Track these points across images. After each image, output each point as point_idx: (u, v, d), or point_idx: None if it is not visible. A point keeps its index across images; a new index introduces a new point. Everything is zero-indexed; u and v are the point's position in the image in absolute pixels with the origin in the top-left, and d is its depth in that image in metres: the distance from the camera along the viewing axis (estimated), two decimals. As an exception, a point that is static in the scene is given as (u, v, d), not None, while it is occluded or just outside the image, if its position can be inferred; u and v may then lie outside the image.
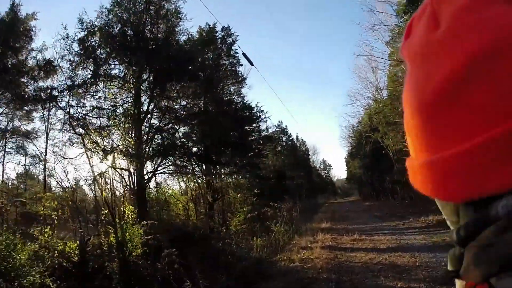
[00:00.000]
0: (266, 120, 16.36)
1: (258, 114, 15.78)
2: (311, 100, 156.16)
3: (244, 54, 12.37)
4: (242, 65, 16.62)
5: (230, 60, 16.48)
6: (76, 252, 8.99)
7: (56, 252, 8.90)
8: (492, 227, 0.28)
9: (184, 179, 16.74)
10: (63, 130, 12.21)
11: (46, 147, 13.05)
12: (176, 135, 10.91)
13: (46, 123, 12.62)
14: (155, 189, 15.88)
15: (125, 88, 11.43)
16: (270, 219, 13.33)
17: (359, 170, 39.80)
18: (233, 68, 16.63)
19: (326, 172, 74.27)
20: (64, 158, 11.76)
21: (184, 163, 11.16)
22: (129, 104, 11.42)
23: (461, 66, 0.27)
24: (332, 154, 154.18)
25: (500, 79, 0.26)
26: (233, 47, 15.88)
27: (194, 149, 11.51)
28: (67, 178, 11.62)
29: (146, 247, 10.11)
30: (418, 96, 0.31)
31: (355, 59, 32.44)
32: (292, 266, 7.10)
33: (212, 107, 12.20)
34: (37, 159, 13.98)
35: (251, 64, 12.06)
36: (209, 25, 15.43)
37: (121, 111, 11.32)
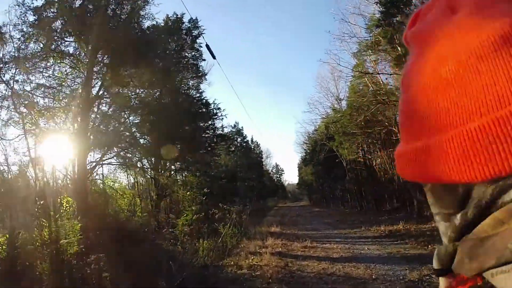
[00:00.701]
0: (222, 118, 15.74)
1: (215, 111, 15.11)
2: (272, 104, 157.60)
3: (207, 46, 11.67)
4: (204, 60, 15.98)
5: (193, 53, 15.76)
6: (3, 247, 7.88)
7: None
8: (490, 219, 0.27)
9: (131, 173, 15.76)
10: (2, 106, 10.93)
11: None
12: (125, 124, 9.91)
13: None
14: (100, 181, 14.79)
15: (77, 68, 10.32)
16: (219, 221, 12.75)
17: (311, 177, 40.19)
18: (195, 62, 15.91)
19: (278, 176, 74.72)
20: (2, 139, 10.50)
21: (129, 155, 10.17)
22: (79, 85, 10.33)
23: (481, 45, 0.26)
24: (285, 160, 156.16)
25: None
26: (197, 41, 15.22)
27: (142, 141, 10.53)
28: (6, 162, 10.40)
29: (83, 245, 9.16)
30: (434, 73, 0.30)
31: (320, 67, 32.59)
32: (240, 274, 6.51)
33: (167, 99, 11.30)
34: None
35: (214, 57, 11.38)
36: (177, 15, 14.73)
37: (69, 92, 10.24)
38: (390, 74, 14.37)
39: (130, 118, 10.04)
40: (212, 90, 72.07)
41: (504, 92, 0.25)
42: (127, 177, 17.97)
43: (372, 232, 10.82)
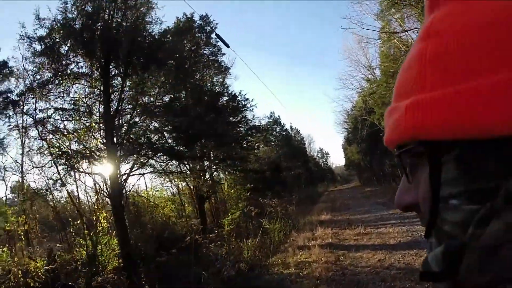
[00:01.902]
0: (252, 109, 15.08)
1: (243, 102, 14.52)
2: (303, 87, 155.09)
3: (217, 36, 11.11)
4: (224, 54, 15.48)
5: (211, 49, 15.30)
6: (42, 271, 7.83)
7: (20, 272, 7.75)
8: (501, 224, 0.25)
9: (169, 179, 15.59)
10: (25, 136, 11.05)
11: (22, 158, 11.88)
12: (148, 131, 9.58)
13: (20, 131, 11.28)
14: (135, 193, 14.72)
15: (93, 86, 10.14)
16: (265, 216, 12.22)
17: (357, 156, 38.76)
18: (215, 58, 15.43)
19: (324, 160, 73.45)
20: (35, 167, 10.58)
21: (155, 161, 9.82)
22: (97, 102, 10.15)
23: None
24: (329, 142, 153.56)
25: None
26: (212, 36, 14.74)
27: (167, 145, 10.19)
28: (42, 188, 10.49)
29: (124, 259, 8.98)
30: (468, 23, 0.28)
31: (345, 39, 30.80)
32: (286, 274, 5.87)
33: (188, 99, 10.83)
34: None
35: (227, 46, 10.76)
36: (186, 15, 14.33)
37: (88, 110, 10.08)
38: (418, 30, 12.95)
39: (152, 124, 9.62)
40: (240, 85, 71.62)
41: None
42: (170, 185, 17.99)
43: (431, 208, 9.79)
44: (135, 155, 9.70)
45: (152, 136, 9.30)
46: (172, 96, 9.79)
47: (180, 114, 9.17)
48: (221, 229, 11.81)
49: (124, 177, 10.49)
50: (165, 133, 9.61)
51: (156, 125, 9.62)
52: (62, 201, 11.41)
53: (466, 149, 0.28)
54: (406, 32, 14.01)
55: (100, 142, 9.76)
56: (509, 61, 0.25)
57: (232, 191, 19.71)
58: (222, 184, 20.49)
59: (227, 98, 14.76)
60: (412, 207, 0.38)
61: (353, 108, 29.90)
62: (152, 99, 10.07)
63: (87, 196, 11.42)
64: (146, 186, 20.11)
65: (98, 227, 9.42)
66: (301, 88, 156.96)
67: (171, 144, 9.71)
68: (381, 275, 4.69)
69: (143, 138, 8.97)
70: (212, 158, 13.44)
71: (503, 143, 0.25)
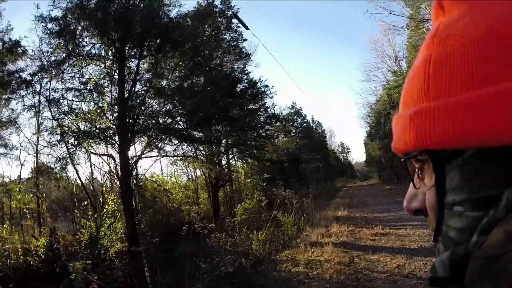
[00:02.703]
0: (272, 96, 14.57)
1: (263, 89, 14.03)
2: (327, 78, 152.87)
3: (236, 17, 10.66)
4: (245, 40, 15.03)
5: (231, 35, 14.86)
6: (43, 250, 7.70)
7: (20, 250, 7.65)
8: (501, 233, 0.26)
9: (183, 165, 15.34)
10: (39, 116, 10.96)
11: (38, 138, 11.81)
12: (160, 113, 9.26)
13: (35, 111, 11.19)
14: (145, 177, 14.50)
15: (107, 67, 9.91)
16: (280, 208, 11.84)
17: (379, 152, 37.70)
18: (236, 43, 14.98)
19: (345, 155, 72.52)
20: (45, 146, 10.48)
21: (166, 144, 9.50)
22: (111, 83, 9.91)
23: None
24: (350, 137, 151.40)
25: None
26: (233, 21, 14.30)
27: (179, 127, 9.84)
28: (56, 167, 10.40)
29: (129, 243, 8.78)
30: (485, 27, 0.29)
31: (371, 30, 29.77)
32: (294, 272, 5.46)
33: (203, 81, 10.41)
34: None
35: (246, 27, 10.34)
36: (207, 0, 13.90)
37: (101, 91, 9.87)
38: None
39: (165, 107, 9.29)
40: (262, 72, 70.63)
41: None
42: (186, 171, 17.80)
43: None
44: (145, 138, 9.43)
45: (164, 118, 8.95)
46: (186, 78, 9.36)
47: (192, 96, 8.76)
48: (234, 219, 11.55)
49: (134, 159, 10.27)
50: (177, 116, 9.22)
51: (169, 107, 9.27)
52: (73, 182, 11.28)
53: (469, 158, 0.29)
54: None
55: (111, 123, 9.53)
56: (510, 72, 0.26)
57: (248, 180, 19.38)
58: (239, 173, 20.26)
59: (246, 84, 14.32)
60: (421, 212, 0.39)
61: (377, 102, 28.99)
62: (166, 81, 9.72)
63: (101, 179, 11.24)
64: (162, 172, 20.00)
65: (104, 210, 9.25)
66: (325, 79, 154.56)
67: (182, 127, 9.34)
68: (399, 284, 4.19)
69: (153, 120, 8.63)
70: (225, 144, 13.00)
71: (503, 152, 0.26)
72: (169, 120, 8.83)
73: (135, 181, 11.28)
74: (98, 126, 9.44)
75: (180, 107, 8.94)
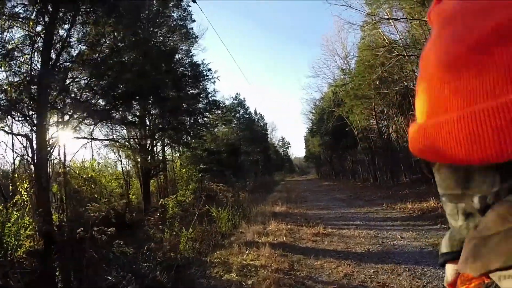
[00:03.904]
0: (214, 81, 13.52)
1: (204, 72, 12.91)
2: (275, 72, 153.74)
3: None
4: (195, 21, 13.83)
5: (180, 13, 13.53)
6: None
7: None
8: (493, 215, 0.28)
9: (113, 150, 13.78)
10: None
11: None
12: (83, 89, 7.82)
13: None
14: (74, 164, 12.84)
15: (30, 29, 8.30)
16: (215, 201, 10.89)
17: (319, 148, 38.08)
18: (183, 23, 13.67)
19: (285, 149, 73.08)
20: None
21: (85, 123, 8.10)
22: (31, 48, 8.31)
23: (498, 27, 0.26)
24: (291, 133, 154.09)
25: None
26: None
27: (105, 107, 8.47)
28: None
29: (44, 240, 7.38)
30: (448, 52, 0.30)
31: (326, 29, 29.86)
32: (225, 280, 4.53)
33: (135, 54, 9.02)
34: None
35: (193, 1, 9.19)
36: None
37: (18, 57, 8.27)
38: (411, 20, 11.85)
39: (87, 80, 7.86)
40: (209, 59, 69.14)
41: None
42: (117, 156, 16.08)
43: (398, 212, 8.74)
44: (61, 115, 7.97)
45: (83, 93, 7.54)
46: (114, 49, 7.96)
47: (117, 68, 7.43)
48: (165, 211, 10.47)
49: (52, 141, 8.74)
50: (98, 90, 7.83)
51: (89, 80, 7.85)
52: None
53: (439, 167, 0.34)
54: (396, 20, 12.87)
55: (28, 96, 7.97)
56: (438, 108, 0.30)
57: (184, 170, 18.12)
58: (174, 162, 18.94)
59: (187, 65, 13.11)
60: None
61: (321, 99, 29.00)
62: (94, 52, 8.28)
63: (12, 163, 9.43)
64: (93, 158, 18.03)
65: (13, 200, 7.66)
66: (274, 73, 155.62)
67: (100, 103, 7.97)
68: (350, 300, 3.41)
69: (72, 95, 7.21)
70: (152, 126, 11.62)
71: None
72: (88, 95, 7.42)
73: (52, 167, 9.75)
74: (12, 98, 7.83)
75: (100, 80, 7.54)
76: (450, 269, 0.36)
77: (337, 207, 10.95)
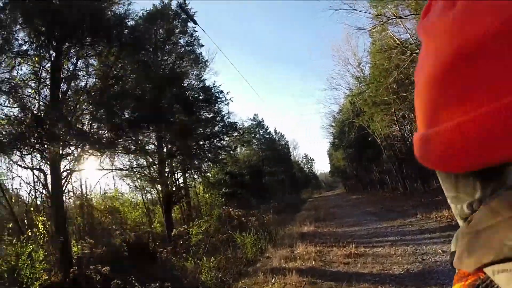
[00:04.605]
0: (228, 103, 13.24)
1: (217, 95, 12.69)
2: (287, 88, 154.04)
3: (182, 8, 9.37)
4: (202, 45, 13.77)
5: (187, 39, 13.50)
6: None
7: None
8: (485, 209, 0.28)
9: (131, 180, 13.64)
10: None
11: None
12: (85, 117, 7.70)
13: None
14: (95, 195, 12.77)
15: (35, 64, 8.39)
16: (238, 226, 10.49)
17: (343, 162, 37.23)
18: (191, 48, 13.62)
19: (309, 166, 72.16)
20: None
21: (94, 154, 7.93)
22: (37, 83, 8.37)
23: (471, 42, 0.27)
24: (314, 148, 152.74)
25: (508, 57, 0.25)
26: (189, 25, 13.03)
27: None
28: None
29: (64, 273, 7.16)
30: (429, 69, 0.31)
31: (334, 39, 29.47)
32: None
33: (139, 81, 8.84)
34: None
35: (194, 22, 9.04)
36: (163, 2, 12.60)
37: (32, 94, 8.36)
38: (418, 16, 11.31)
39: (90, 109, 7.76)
40: (222, 82, 69.80)
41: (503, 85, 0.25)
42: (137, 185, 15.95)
43: (435, 221, 8.04)
44: (72, 147, 7.83)
45: (88, 124, 7.38)
46: (118, 75, 7.81)
47: (118, 95, 7.24)
48: (189, 239, 10.14)
49: (65, 174, 8.64)
50: (102, 120, 7.66)
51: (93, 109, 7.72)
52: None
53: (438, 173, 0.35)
54: (400, 21, 12.39)
55: (39, 129, 7.95)
56: (429, 120, 0.31)
57: (207, 195, 17.80)
58: (197, 188, 18.68)
59: (199, 90, 12.95)
60: None
61: (339, 111, 28.40)
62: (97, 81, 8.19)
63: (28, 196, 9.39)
64: (115, 187, 17.99)
65: (29, 232, 7.54)
66: (285, 90, 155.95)
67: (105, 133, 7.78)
68: None
69: (78, 126, 7.06)
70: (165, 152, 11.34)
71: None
72: (93, 125, 7.26)
73: (68, 199, 9.65)
74: (24, 132, 7.85)
75: (103, 108, 7.37)
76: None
77: (368, 222, 10.29)
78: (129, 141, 8.06)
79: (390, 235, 7.41)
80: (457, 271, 0.33)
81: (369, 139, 22.01)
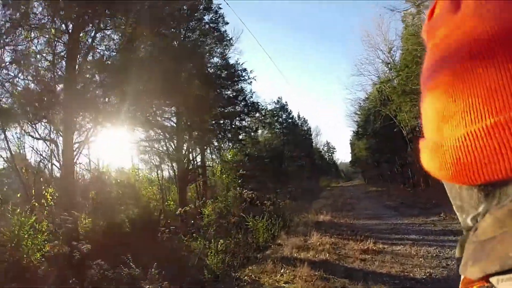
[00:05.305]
0: (251, 82, 12.79)
1: (240, 73, 12.27)
2: (314, 72, 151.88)
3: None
4: (227, 23, 13.28)
5: (211, 16, 13.06)
6: None
7: None
8: (490, 219, 0.28)
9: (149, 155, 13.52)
10: None
11: None
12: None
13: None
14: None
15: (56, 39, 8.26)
16: (252, 209, 10.25)
17: (365, 152, 36.31)
18: (215, 26, 13.18)
19: (330, 154, 71.23)
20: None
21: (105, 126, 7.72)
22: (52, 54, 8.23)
23: (477, 47, 0.26)
24: (336, 137, 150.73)
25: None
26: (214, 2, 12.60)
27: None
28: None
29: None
30: (433, 74, 0.30)
31: (363, 23, 28.41)
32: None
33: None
34: None
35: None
36: None
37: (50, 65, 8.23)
38: None
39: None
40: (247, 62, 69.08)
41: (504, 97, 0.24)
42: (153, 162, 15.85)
43: (459, 224, 7.49)
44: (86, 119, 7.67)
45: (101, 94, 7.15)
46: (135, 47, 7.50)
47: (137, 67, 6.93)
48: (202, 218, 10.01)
49: (77, 145, 8.51)
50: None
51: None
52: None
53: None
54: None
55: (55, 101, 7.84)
56: (428, 130, 0.31)
57: (224, 176, 17.58)
58: (214, 168, 18.49)
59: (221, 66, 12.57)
60: None
61: (366, 98, 27.47)
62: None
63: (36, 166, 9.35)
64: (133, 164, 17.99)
65: (35, 203, 7.44)
66: (312, 74, 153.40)
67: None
68: None
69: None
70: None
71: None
72: (108, 96, 7.01)
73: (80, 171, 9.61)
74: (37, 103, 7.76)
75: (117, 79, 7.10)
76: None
77: (388, 216, 9.82)
78: (143, 114, 7.80)
79: (411, 233, 6.96)
80: (462, 277, 0.31)
81: (395, 130, 21.23)
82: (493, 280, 0.26)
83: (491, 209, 0.28)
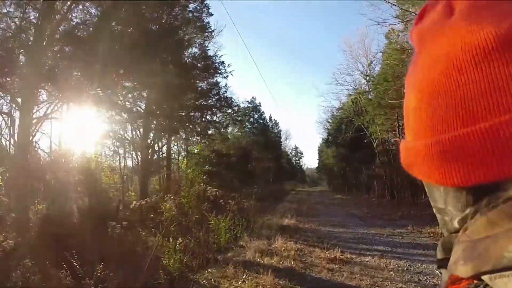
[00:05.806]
0: (227, 76, 12.31)
1: (216, 65, 11.77)
2: (292, 81, 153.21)
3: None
4: (212, 15, 12.76)
5: (196, 5, 12.50)
6: None
7: None
8: (482, 219, 0.28)
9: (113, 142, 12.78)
10: None
11: None
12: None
13: None
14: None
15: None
16: (215, 208, 9.80)
17: (332, 160, 36.56)
18: (198, 15, 12.62)
19: (297, 159, 71.63)
20: None
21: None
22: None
23: (471, 51, 0.26)
24: (304, 142, 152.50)
25: (504, 72, 0.25)
26: None
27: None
28: None
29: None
30: (425, 77, 0.30)
31: (348, 34, 28.63)
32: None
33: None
34: None
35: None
36: None
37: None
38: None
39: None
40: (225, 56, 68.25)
41: (498, 100, 0.24)
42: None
43: (428, 237, 7.35)
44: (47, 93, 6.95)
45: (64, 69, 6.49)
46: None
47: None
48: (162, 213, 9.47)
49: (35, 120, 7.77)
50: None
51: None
52: None
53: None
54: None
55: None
56: (414, 132, 0.31)
57: (189, 171, 16.99)
58: (180, 162, 17.91)
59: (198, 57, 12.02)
60: None
61: (340, 108, 27.56)
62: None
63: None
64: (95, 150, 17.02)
65: None
66: (288, 82, 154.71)
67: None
68: None
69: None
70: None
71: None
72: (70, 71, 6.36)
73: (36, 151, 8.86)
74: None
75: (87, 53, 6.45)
76: (445, 274, 0.33)
77: (354, 225, 9.61)
78: (111, 94, 7.17)
79: (379, 244, 6.71)
80: (448, 274, 0.30)
81: (365, 141, 21.38)
82: (485, 278, 0.26)
83: (481, 210, 0.28)
